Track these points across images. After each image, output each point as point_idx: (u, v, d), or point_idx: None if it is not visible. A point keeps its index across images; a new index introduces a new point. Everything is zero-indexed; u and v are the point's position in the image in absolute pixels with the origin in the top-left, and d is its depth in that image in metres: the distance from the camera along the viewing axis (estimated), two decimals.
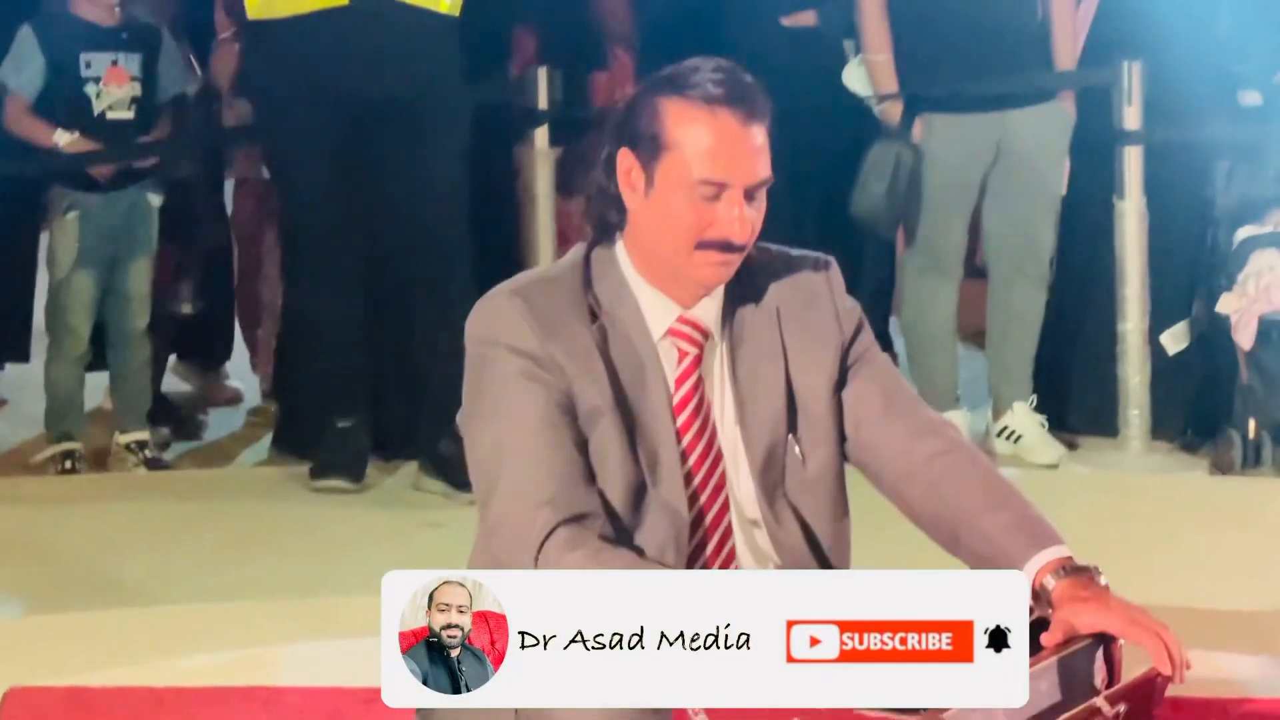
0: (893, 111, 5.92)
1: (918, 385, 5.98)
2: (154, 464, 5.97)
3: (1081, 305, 6.20)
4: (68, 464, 5.90)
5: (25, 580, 4.73)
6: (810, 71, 6.09)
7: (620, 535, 2.65)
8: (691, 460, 2.72)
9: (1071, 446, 6.06)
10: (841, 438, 2.82)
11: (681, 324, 2.75)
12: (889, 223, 5.99)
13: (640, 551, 2.64)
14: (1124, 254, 5.90)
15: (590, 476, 2.66)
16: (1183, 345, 6.08)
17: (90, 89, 5.82)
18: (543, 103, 5.86)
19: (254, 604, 4.49)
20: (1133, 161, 5.88)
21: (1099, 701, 2.45)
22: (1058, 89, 5.92)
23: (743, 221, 2.66)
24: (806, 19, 6.22)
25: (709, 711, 2.36)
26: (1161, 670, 2.56)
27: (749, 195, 2.67)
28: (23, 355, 6.47)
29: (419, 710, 2.76)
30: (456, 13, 5.46)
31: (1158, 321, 6.00)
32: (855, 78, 6.00)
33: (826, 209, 6.09)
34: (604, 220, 2.76)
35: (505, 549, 2.61)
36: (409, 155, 5.42)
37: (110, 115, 5.83)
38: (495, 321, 2.70)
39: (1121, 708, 2.50)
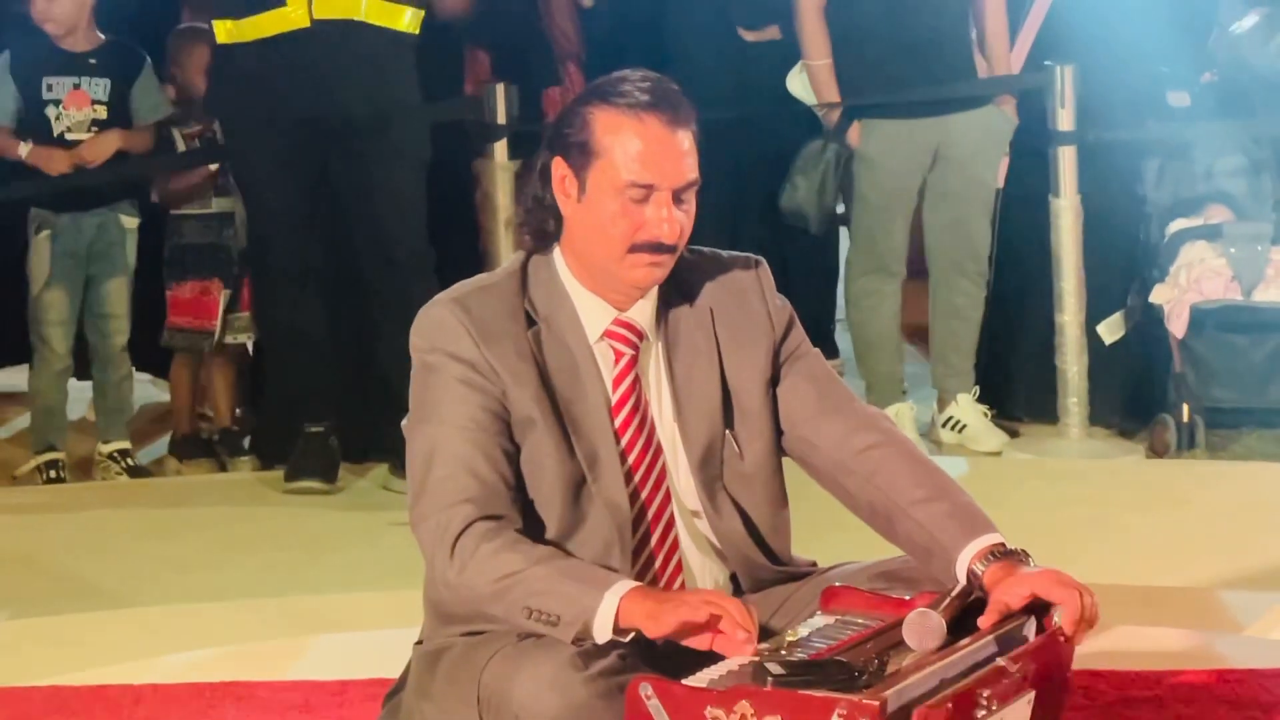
0: (836, 116, 5.99)
1: (865, 381, 6.12)
2: (135, 472, 6.04)
3: (1021, 299, 6.30)
4: (52, 474, 5.96)
5: (11, 585, 4.76)
6: (764, 84, 6.22)
7: (564, 532, 2.73)
8: (631, 458, 2.78)
9: (1014, 434, 6.16)
10: (777, 432, 2.88)
11: (617, 326, 2.81)
12: (818, 218, 6.08)
13: (568, 554, 2.71)
14: (1060, 249, 5.99)
15: (516, 486, 2.72)
16: (1118, 335, 6.18)
17: (50, 111, 5.92)
18: (501, 117, 5.94)
19: (230, 604, 4.53)
20: (1067, 161, 5.98)
21: (1002, 661, 2.47)
22: (991, 94, 6.01)
23: (671, 222, 2.73)
24: (771, 33, 6.33)
25: (659, 691, 2.38)
26: (1065, 628, 2.60)
27: (677, 198, 2.74)
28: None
29: (386, 704, 2.93)
30: (416, 30, 5.54)
31: (1094, 313, 6.09)
32: (797, 84, 6.07)
33: (781, 218, 6.20)
34: (540, 228, 2.82)
35: (426, 543, 2.69)
36: (373, 169, 5.49)
37: (69, 137, 5.91)
38: (436, 330, 2.76)
39: (1029, 666, 2.51)
